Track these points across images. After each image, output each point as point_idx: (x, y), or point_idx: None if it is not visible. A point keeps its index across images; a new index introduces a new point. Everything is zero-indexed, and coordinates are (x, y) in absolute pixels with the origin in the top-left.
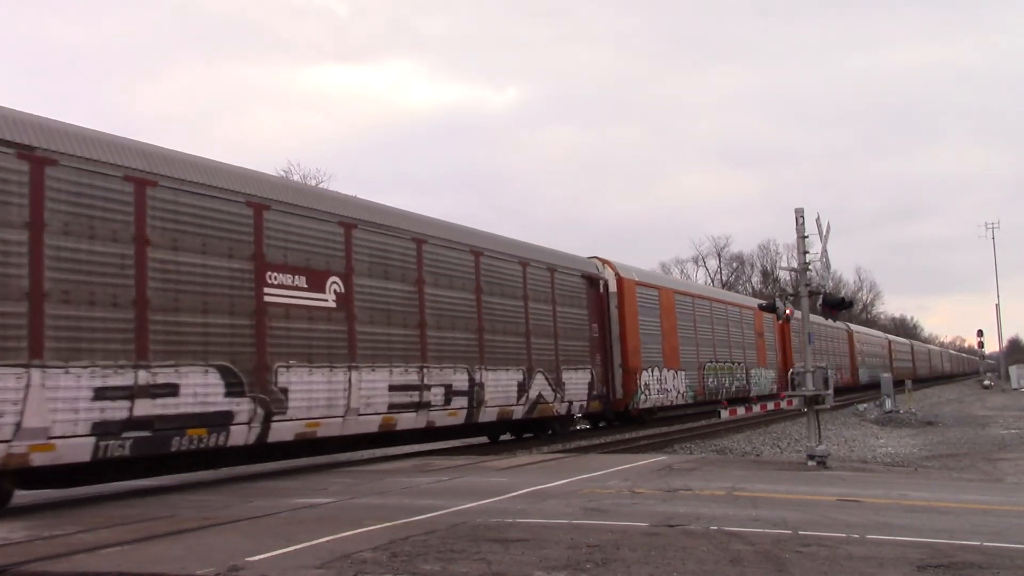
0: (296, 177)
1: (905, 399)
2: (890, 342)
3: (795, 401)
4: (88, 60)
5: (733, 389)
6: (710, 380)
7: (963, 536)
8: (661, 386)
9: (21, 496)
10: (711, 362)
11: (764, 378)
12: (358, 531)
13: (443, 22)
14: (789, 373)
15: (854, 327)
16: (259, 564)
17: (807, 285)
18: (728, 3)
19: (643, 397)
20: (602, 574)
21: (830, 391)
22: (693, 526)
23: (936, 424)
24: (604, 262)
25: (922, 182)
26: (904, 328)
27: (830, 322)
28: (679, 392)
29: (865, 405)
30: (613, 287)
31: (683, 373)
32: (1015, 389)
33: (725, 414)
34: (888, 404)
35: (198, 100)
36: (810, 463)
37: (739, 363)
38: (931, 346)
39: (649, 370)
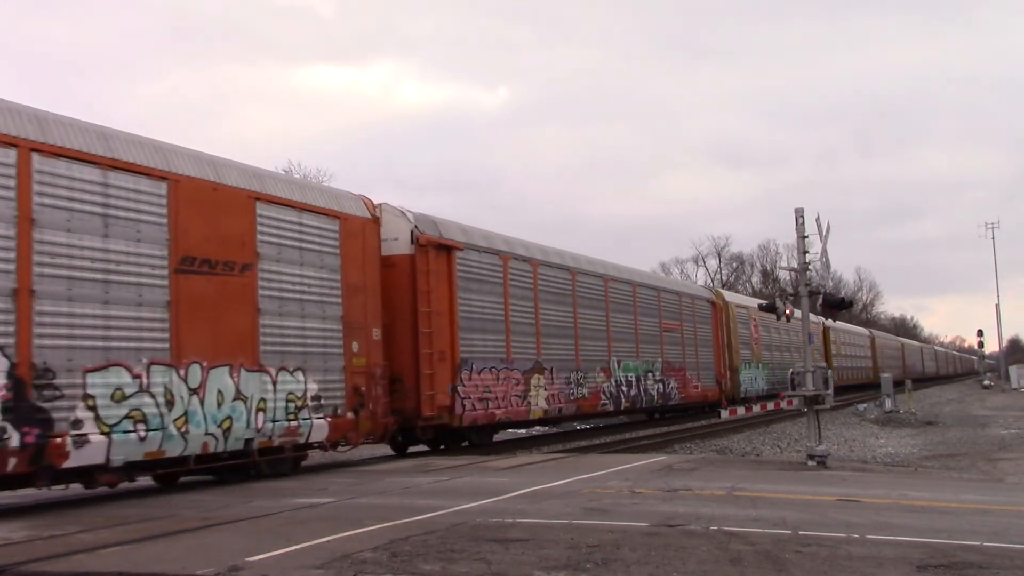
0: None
1: (905, 399)
2: (826, 329)
3: (795, 401)
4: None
5: None
6: None
7: (963, 536)
8: None
9: (25, 495)
10: None
11: None
12: (358, 531)
13: (431, 23)
14: (789, 373)
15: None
16: (259, 564)
17: (807, 285)
18: (721, 4)
19: None
20: (602, 574)
21: (830, 391)
22: (693, 526)
23: (936, 424)
24: None
25: (920, 182)
26: (904, 328)
27: (702, 290)
28: None
29: (865, 405)
30: None
31: None
32: (1015, 389)
33: (725, 414)
34: (888, 404)
35: (187, 101)
36: (810, 463)
37: None
38: (906, 340)
39: None
